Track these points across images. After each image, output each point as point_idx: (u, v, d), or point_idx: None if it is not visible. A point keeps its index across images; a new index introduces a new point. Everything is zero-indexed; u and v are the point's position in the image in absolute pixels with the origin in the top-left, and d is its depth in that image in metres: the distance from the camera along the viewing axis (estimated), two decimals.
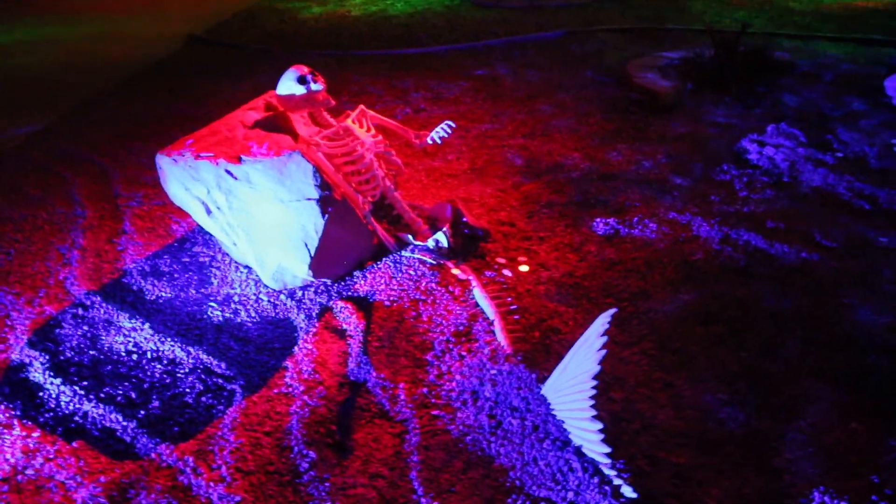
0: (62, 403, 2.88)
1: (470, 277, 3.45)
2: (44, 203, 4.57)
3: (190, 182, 3.29)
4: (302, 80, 3.46)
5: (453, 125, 3.80)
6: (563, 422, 2.63)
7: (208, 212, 3.37)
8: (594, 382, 2.47)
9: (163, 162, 3.35)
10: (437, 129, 3.75)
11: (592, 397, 2.48)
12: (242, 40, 8.95)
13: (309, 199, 3.21)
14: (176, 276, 3.70)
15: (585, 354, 2.52)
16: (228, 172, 3.20)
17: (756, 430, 2.65)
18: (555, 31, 8.78)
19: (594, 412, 2.47)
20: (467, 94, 6.47)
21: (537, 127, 5.61)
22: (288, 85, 3.49)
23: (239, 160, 3.19)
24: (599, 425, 2.44)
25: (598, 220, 4.10)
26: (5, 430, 2.76)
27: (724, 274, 3.59)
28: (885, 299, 3.38)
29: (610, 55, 7.68)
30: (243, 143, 3.28)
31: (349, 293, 3.46)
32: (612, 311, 2.55)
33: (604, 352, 2.44)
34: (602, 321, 2.53)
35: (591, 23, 9.33)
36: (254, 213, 3.29)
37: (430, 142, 3.76)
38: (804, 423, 2.66)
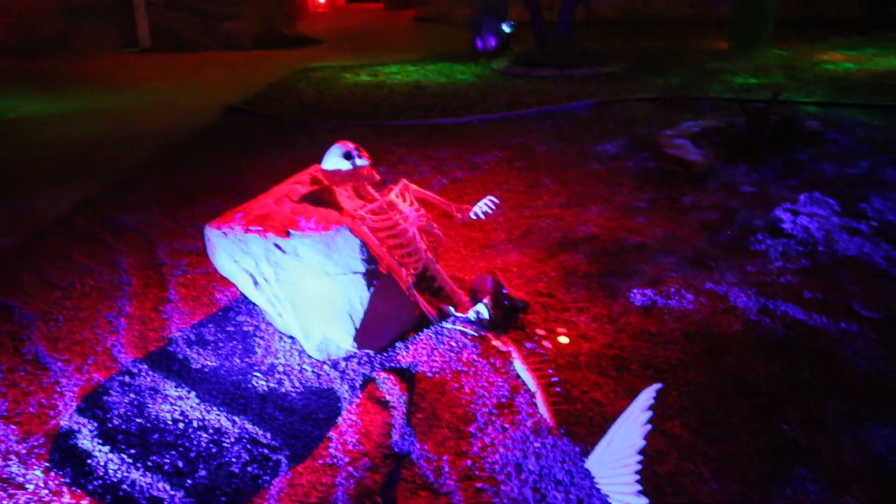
0: (110, 471, 2.93)
1: (510, 349, 3.49)
2: (91, 271, 4.69)
3: (239, 255, 3.39)
4: (347, 156, 3.58)
5: (497, 201, 3.88)
6: (608, 496, 2.64)
7: (255, 283, 3.45)
8: (639, 457, 2.48)
9: (212, 234, 3.46)
10: (480, 204, 3.84)
11: (637, 472, 2.49)
12: (280, 111, 9.20)
13: (355, 273, 3.30)
14: (220, 345, 3.77)
15: (630, 428, 2.54)
16: (277, 246, 3.29)
17: None
18: (586, 101, 8.95)
19: (639, 487, 2.48)
20: (502, 163, 6.60)
21: (572, 197, 5.69)
22: (334, 160, 3.60)
23: (288, 234, 3.29)
24: (645, 501, 2.45)
25: (636, 290, 4.14)
26: (55, 498, 2.80)
27: (763, 345, 3.60)
28: None
29: (641, 124, 7.81)
30: (291, 218, 3.38)
31: (392, 364, 3.51)
32: (657, 385, 2.58)
33: (649, 426, 2.46)
34: (647, 396, 2.55)
35: (621, 92, 9.50)
36: (300, 286, 3.37)
37: (472, 217, 3.85)
38: (852, 500, 2.64)
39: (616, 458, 2.59)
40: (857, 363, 3.43)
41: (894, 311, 3.86)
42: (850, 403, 3.16)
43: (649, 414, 2.48)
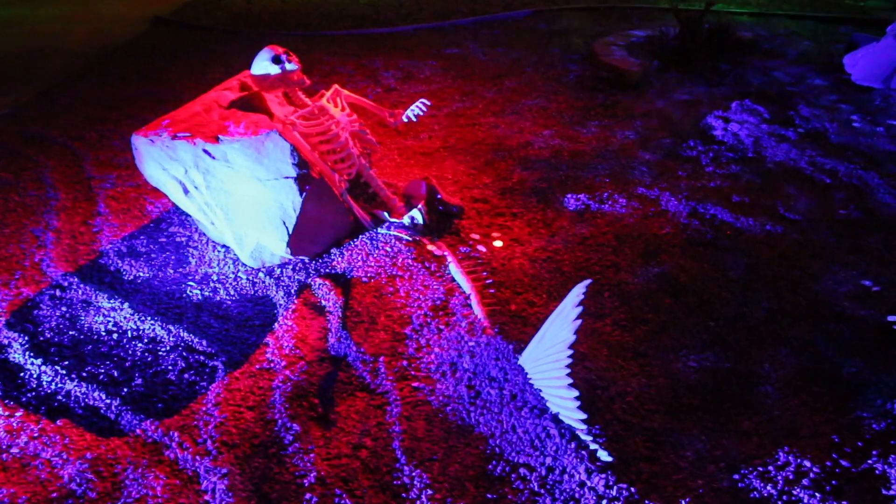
0: (44, 383, 2.90)
1: (445, 253, 3.52)
2: (15, 186, 4.54)
3: (167, 162, 3.31)
4: (276, 60, 3.48)
5: (428, 103, 3.84)
6: (540, 390, 2.72)
7: (186, 192, 3.39)
8: (570, 352, 2.54)
9: (139, 142, 3.36)
10: (412, 107, 3.80)
11: (568, 366, 2.56)
12: (209, 22, 8.87)
13: (286, 178, 3.25)
14: (153, 256, 3.72)
15: (561, 325, 2.60)
16: (206, 152, 3.22)
17: (724, 395, 2.75)
18: (522, 11, 8.84)
19: (570, 380, 2.55)
20: (437, 73, 6.51)
21: (507, 105, 5.67)
22: (263, 65, 3.51)
23: (216, 140, 3.21)
24: (575, 393, 2.52)
25: (570, 196, 4.18)
26: None
27: (692, 247, 3.69)
28: (844, 269, 3.50)
29: (577, 33, 7.76)
30: (220, 123, 3.30)
31: (327, 270, 3.51)
32: (587, 282, 2.63)
33: (579, 322, 2.51)
34: (577, 292, 2.60)
35: (558, 1, 9.39)
36: (232, 193, 3.32)
37: (405, 120, 3.81)
38: (770, 389, 2.77)
39: (548, 353, 2.65)
40: (779, 262, 3.56)
41: (816, 213, 3.98)
42: (772, 300, 3.28)
43: (580, 309, 2.53)
